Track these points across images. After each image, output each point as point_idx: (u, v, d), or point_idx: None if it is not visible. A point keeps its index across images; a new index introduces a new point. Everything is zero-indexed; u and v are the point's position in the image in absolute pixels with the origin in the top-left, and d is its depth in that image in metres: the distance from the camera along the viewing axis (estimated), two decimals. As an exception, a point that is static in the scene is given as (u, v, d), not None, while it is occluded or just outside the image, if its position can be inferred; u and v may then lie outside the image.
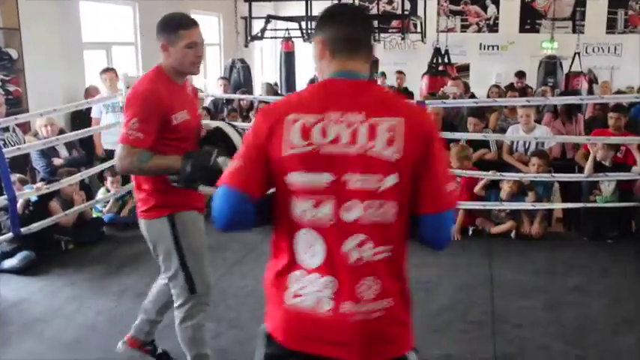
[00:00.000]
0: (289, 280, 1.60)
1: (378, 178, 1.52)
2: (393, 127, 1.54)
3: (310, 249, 1.57)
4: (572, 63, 10.04)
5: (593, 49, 12.58)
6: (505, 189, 5.58)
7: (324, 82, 1.67)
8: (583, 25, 12.25)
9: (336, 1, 9.61)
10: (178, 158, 2.58)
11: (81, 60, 7.45)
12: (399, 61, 12.29)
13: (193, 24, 2.70)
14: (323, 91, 1.64)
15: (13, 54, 6.28)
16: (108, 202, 5.91)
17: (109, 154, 6.21)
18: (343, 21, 1.67)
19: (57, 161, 5.72)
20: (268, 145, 1.56)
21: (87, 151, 6.28)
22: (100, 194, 5.92)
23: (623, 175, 5.37)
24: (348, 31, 1.65)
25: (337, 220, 1.54)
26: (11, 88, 6.29)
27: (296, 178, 1.55)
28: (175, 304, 2.88)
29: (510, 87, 9.18)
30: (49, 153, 5.67)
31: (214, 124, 2.91)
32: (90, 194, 5.91)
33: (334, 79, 1.64)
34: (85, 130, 5.88)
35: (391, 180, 1.53)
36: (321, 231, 1.56)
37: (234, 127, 2.88)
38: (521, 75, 10.11)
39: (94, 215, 5.80)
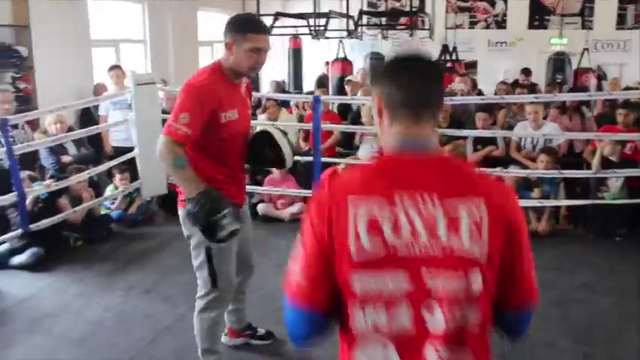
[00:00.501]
0: None
1: (463, 280, 1.30)
2: (473, 212, 1.30)
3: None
4: (580, 59, 9.98)
5: (602, 46, 12.46)
6: (509, 181, 5.59)
7: (388, 157, 1.41)
8: (592, 21, 12.17)
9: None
10: (198, 188, 2.55)
11: (90, 57, 7.51)
12: (407, 57, 12.26)
13: (263, 30, 2.71)
14: (389, 169, 1.37)
15: (23, 52, 6.34)
16: (116, 199, 5.94)
17: (117, 151, 6.24)
18: (407, 75, 1.39)
19: (65, 158, 5.75)
20: (332, 239, 1.32)
21: (95, 149, 6.31)
22: (109, 191, 5.96)
23: (631, 172, 5.35)
24: (412, 90, 1.37)
25: (417, 329, 1.31)
26: (21, 85, 6.36)
27: (364, 284, 1.31)
28: (197, 294, 2.94)
29: (516, 84, 9.14)
30: (57, 150, 5.69)
31: (260, 127, 2.94)
32: (98, 191, 5.95)
33: (400, 153, 1.38)
34: (94, 127, 5.94)
35: (477, 282, 1.30)
36: (395, 342, 1.32)
37: (279, 129, 2.91)
38: (527, 72, 10.08)
39: (103, 212, 5.83)
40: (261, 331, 3.50)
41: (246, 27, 2.64)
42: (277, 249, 4.81)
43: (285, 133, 2.96)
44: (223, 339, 3.38)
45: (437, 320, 1.30)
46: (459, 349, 1.32)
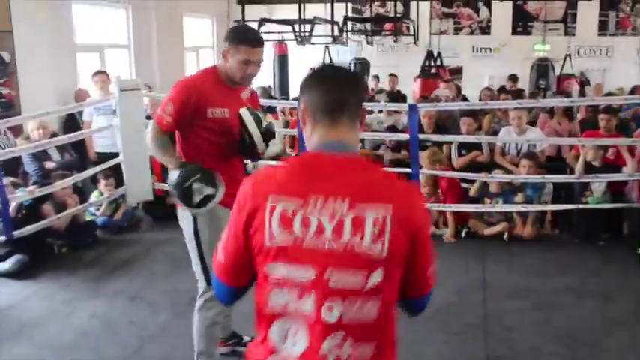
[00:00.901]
0: None
1: (362, 276, 1.43)
2: (379, 219, 1.43)
3: (292, 337, 1.48)
4: (563, 65, 10.12)
5: (585, 52, 12.64)
6: (494, 184, 5.66)
7: (307, 157, 1.57)
8: (575, 28, 12.34)
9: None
10: (175, 162, 2.83)
11: (74, 63, 7.47)
12: (392, 63, 12.33)
13: (256, 44, 2.82)
14: (306, 169, 1.51)
15: (6, 57, 6.31)
16: (101, 205, 5.92)
17: (102, 157, 6.21)
18: (324, 84, 1.54)
19: (49, 165, 5.71)
20: (249, 230, 1.49)
21: (79, 155, 6.28)
22: (94, 197, 5.93)
23: (614, 176, 5.42)
24: (328, 95, 1.52)
25: (317, 317, 1.45)
26: (4, 91, 6.32)
27: (278, 270, 1.46)
28: (198, 293, 2.99)
29: (502, 89, 9.24)
30: (41, 156, 5.66)
31: (241, 110, 2.95)
32: (83, 197, 5.92)
33: (319, 154, 1.52)
34: (78, 133, 5.90)
35: (377, 277, 1.44)
36: (303, 322, 1.47)
37: (254, 112, 2.93)
38: (514, 79, 10.18)
39: (88, 218, 5.81)
40: (246, 338, 3.48)
41: (240, 39, 2.79)
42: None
43: (256, 112, 2.94)
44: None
45: (335, 312, 1.44)
46: (357, 339, 1.46)
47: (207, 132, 2.84)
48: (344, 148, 1.51)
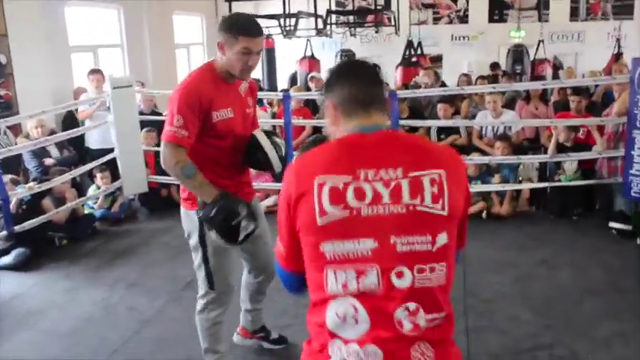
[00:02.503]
0: (330, 349, 1.45)
1: (429, 239, 1.40)
2: (436, 180, 1.42)
3: (352, 319, 1.41)
4: (536, 50, 10.37)
5: (558, 37, 12.97)
6: (471, 167, 5.85)
7: (345, 137, 1.53)
8: (548, 14, 12.60)
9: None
10: (213, 194, 2.54)
11: (68, 63, 7.57)
12: (375, 53, 12.53)
13: (255, 33, 2.54)
14: (348, 148, 1.49)
15: (2, 59, 6.41)
16: (99, 198, 6.06)
17: (97, 153, 6.37)
18: (354, 79, 1.56)
19: (48, 161, 5.87)
20: (299, 212, 1.46)
21: (77, 150, 6.42)
22: (91, 191, 6.07)
23: (585, 155, 5.63)
24: (359, 90, 1.54)
25: (386, 288, 1.39)
26: (1, 92, 6.43)
27: (333, 248, 1.41)
28: (198, 294, 2.91)
29: (481, 76, 9.47)
30: (40, 153, 5.81)
31: (256, 133, 2.84)
32: (81, 191, 6.07)
33: (359, 134, 1.51)
34: (74, 130, 6.04)
35: (442, 238, 1.42)
36: (364, 301, 1.40)
37: (270, 136, 2.84)
38: (495, 66, 10.40)
39: (86, 211, 5.94)
40: (274, 335, 3.42)
41: (238, 28, 2.51)
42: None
43: (273, 137, 2.86)
44: (235, 338, 3.37)
45: (405, 280, 1.39)
46: (428, 304, 1.41)
47: (213, 138, 2.63)
48: (379, 127, 1.52)
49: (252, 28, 2.55)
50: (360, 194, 1.40)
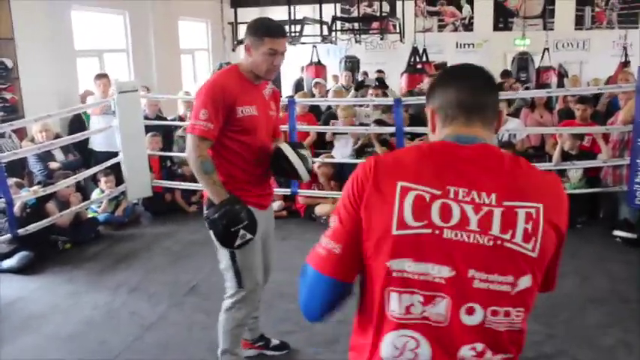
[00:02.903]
0: None
1: (511, 279, 1.24)
2: (532, 215, 1.25)
3: (411, 352, 1.27)
4: (542, 58, 10.39)
5: (563, 45, 13.02)
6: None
7: (436, 144, 1.35)
8: (553, 22, 12.64)
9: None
10: (222, 196, 2.63)
11: (74, 67, 7.59)
12: (380, 60, 12.59)
13: (280, 34, 2.71)
14: (441, 157, 1.30)
15: (8, 63, 6.44)
16: (102, 202, 6.07)
17: (102, 156, 6.38)
18: (458, 83, 1.38)
19: (53, 165, 5.89)
20: (367, 215, 1.28)
21: (81, 154, 6.44)
22: (95, 195, 6.08)
23: (590, 163, 5.62)
24: (464, 94, 1.35)
25: (452, 323, 1.25)
26: (7, 95, 6.46)
27: (404, 266, 1.25)
28: (225, 294, 2.92)
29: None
30: (45, 157, 5.83)
31: (278, 144, 2.92)
32: (86, 195, 6.08)
33: (454, 144, 1.32)
34: (80, 134, 6.06)
35: (525, 282, 1.25)
36: (427, 333, 1.26)
37: (296, 148, 2.92)
38: (506, 74, 10.40)
39: (90, 215, 5.94)
40: (274, 341, 3.42)
41: (264, 31, 2.66)
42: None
43: (299, 149, 2.94)
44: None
45: (477, 315, 1.25)
46: (495, 345, 1.27)
47: (238, 133, 2.71)
48: (478, 141, 1.32)
49: (277, 30, 2.70)
50: (446, 213, 1.24)
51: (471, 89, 1.36)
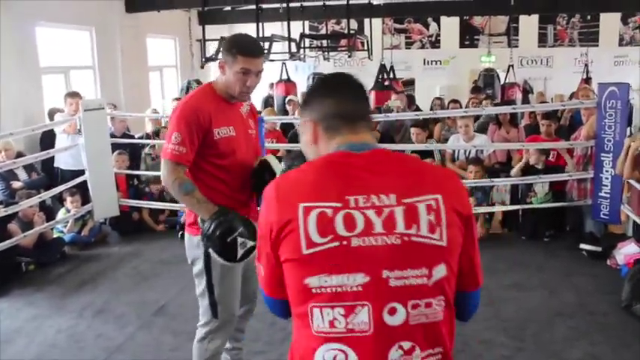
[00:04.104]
0: None
1: (425, 271, 1.27)
2: (432, 207, 1.29)
3: None
4: (506, 75, 10.63)
5: (527, 62, 13.34)
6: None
7: (331, 156, 1.37)
8: (517, 40, 12.94)
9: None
10: (211, 210, 2.51)
11: (39, 84, 7.47)
12: (348, 77, 12.68)
13: (255, 53, 2.55)
14: (337, 169, 1.34)
15: (-28, 79, 6.31)
16: (68, 222, 5.97)
17: (64, 175, 6.28)
18: (338, 94, 1.43)
19: (16, 184, 5.76)
20: (279, 239, 1.31)
21: (47, 173, 6.32)
22: (61, 214, 5.98)
23: (554, 177, 5.73)
24: (346, 104, 1.41)
25: (377, 328, 1.27)
26: (-29, 113, 6.30)
27: (320, 283, 1.26)
28: (199, 322, 2.81)
29: (453, 100, 9.62)
30: (7, 176, 5.71)
31: (266, 157, 2.82)
32: (51, 215, 5.96)
33: (346, 153, 1.36)
34: (44, 152, 5.95)
35: (440, 271, 1.28)
36: (354, 344, 1.27)
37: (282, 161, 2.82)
38: (477, 89, 10.58)
39: (56, 235, 5.84)
40: None
41: (238, 47, 2.52)
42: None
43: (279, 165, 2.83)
44: None
45: (399, 314, 1.27)
46: (422, 341, 1.29)
47: (215, 156, 2.59)
48: (369, 146, 1.38)
49: (252, 48, 2.56)
50: (350, 223, 1.27)
51: (351, 98, 1.42)
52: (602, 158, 5.31)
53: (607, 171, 5.33)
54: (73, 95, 6.52)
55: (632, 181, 5.00)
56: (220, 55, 2.60)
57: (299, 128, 1.52)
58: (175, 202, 6.44)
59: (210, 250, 2.52)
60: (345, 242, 1.26)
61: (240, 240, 2.48)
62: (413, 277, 1.26)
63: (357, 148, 1.36)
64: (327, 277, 1.26)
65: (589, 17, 13.07)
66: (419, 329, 1.28)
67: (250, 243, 2.49)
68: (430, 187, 1.32)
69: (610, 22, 13.11)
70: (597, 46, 13.13)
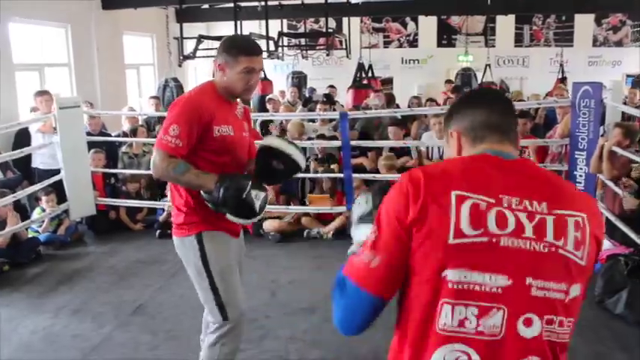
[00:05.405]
0: None
1: (564, 287, 1.23)
2: (579, 224, 1.26)
3: None
4: (484, 74, 10.77)
5: (504, 61, 13.53)
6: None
7: (480, 155, 1.35)
8: (494, 40, 13.11)
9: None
10: (213, 178, 2.48)
11: (13, 82, 7.37)
12: (327, 76, 12.72)
13: (256, 52, 2.59)
14: (489, 167, 1.31)
15: (-58, 77, 6.20)
16: (44, 221, 5.89)
17: (43, 173, 6.20)
18: (488, 106, 1.41)
19: (-11, 183, 5.68)
20: (419, 226, 1.23)
21: (25, 172, 6.24)
22: (36, 214, 5.90)
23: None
24: (495, 116, 1.39)
25: (509, 335, 1.21)
26: (-58, 112, 6.19)
27: (459, 277, 1.21)
28: (209, 329, 2.72)
29: (430, 98, 9.72)
30: (-20, 175, 5.63)
31: (264, 141, 2.78)
32: (26, 215, 5.89)
33: (495, 157, 1.33)
34: (17, 151, 5.86)
35: (576, 290, 1.25)
36: (480, 348, 1.21)
37: (287, 140, 2.80)
38: (457, 89, 10.67)
39: (30, 235, 5.76)
40: None
41: (239, 48, 2.56)
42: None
43: (286, 140, 2.82)
44: None
45: (535, 327, 1.22)
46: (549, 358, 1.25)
47: (212, 153, 2.57)
48: (514, 158, 1.36)
49: (253, 48, 2.60)
50: (502, 221, 1.22)
51: (500, 111, 1.40)
52: (577, 156, 5.39)
53: (581, 168, 5.40)
54: (42, 93, 6.46)
55: (603, 178, 5.08)
56: (218, 57, 2.59)
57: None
58: (153, 199, 6.44)
59: (229, 215, 2.50)
60: (494, 240, 1.21)
61: (253, 193, 2.48)
62: (553, 291, 1.22)
63: (504, 155, 1.34)
64: (467, 273, 1.21)
65: (564, 18, 13.29)
66: (546, 347, 1.24)
67: (262, 194, 2.52)
68: (577, 205, 1.29)
69: (584, 23, 13.35)
70: (572, 46, 13.37)
